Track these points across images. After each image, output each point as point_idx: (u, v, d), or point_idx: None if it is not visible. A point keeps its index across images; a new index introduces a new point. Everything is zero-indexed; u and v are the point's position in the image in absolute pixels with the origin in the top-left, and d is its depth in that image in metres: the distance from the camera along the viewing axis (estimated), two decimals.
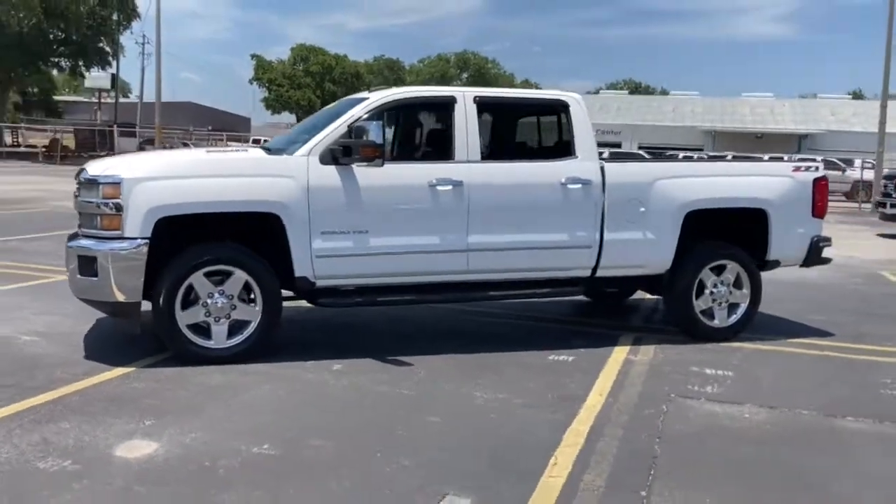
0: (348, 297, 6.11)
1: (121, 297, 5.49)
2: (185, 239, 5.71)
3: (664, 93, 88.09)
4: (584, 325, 7.54)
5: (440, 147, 6.40)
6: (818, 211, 7.17)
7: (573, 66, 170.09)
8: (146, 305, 5.66)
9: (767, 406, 5.27)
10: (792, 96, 70.10)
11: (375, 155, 5.68)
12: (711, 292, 6.93)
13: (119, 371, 5.48)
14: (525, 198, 6.33)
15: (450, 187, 6.08)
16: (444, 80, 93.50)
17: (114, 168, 5.60)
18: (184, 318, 5.63)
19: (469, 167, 6.16)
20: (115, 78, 56.82)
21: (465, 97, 6.30)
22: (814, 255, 7.25)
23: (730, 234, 7.14)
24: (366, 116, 6.02)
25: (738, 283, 7.01)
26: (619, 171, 6.65)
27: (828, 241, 7.32)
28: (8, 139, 47.00)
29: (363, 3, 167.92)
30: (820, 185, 7.14)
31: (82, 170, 5.81)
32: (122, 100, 72.54)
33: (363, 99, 6.29)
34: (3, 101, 49.31)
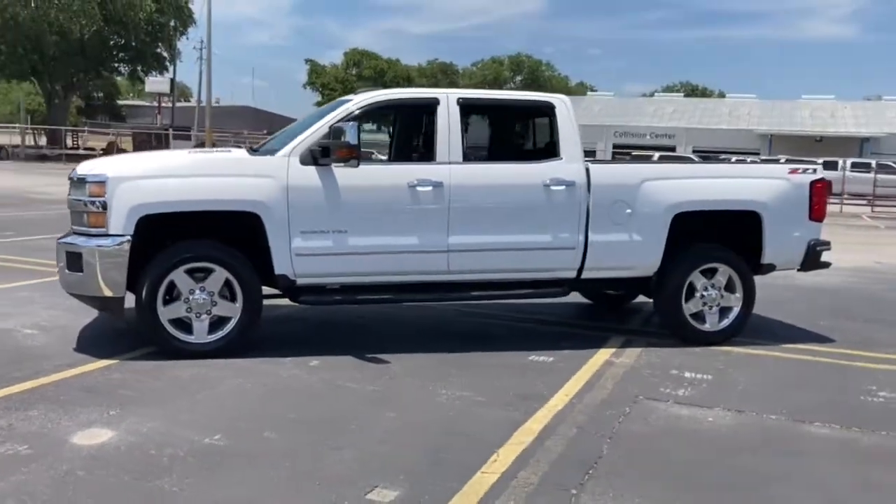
0: (328, 296, 6.23)
1: (105, 292, 5.70)
2: (171, 237, 5.90)
3: (721, 95, 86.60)
4: (578, 328, 7.53)
5: (423, 148, 6.50)
6: (816, 214, 7.03)
7: (630, 68, 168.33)
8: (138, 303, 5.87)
9: (735, 410, 5.21)
10: (855, 99, 68.19)
11: (350, 156, 5.79)
12: (702, 296, 6.86)
13: (103, 363, 5.69)
14: (507, 199, 6.37)
15: (430, 188, 6.15)
16: (496, 83, 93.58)
17: (100, 167, 5.83)
18: (165, 313, 5.81)
19: (450, 168, 6.22)
20: (173, 82, 58.31)
21: (448, 99, 6.36)
22: (811, 259, 7.11)
23: (723, 237, 7.05)
24: (347, 118, 6.14)
25: (730, 287, 6.93)
26: (604, 173, 6.64)
27: (826, 244, 7.17)
28: (69, 142, 48.58)
29: (422, 8, 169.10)
30: (817, 188, 7.01)
31: (75, 169, 6.06)
32: (184, 104, 74.43)
33: (349, 101, 6.41)
34: (65, 105, 51.03)
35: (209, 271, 5.86)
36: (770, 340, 7.16)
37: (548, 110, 6.65)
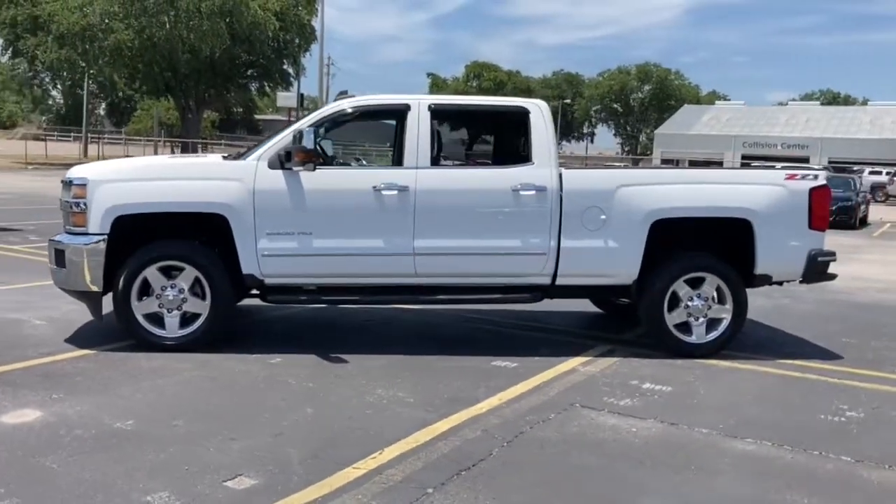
0: (294, 295, 6.43)
1: (83, 287, 6.14)
2: (149, 236, 6.28)
3: (864, 103, 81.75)
4: (570, 335, 7.40)
5: (392, 153, 6.59)
6: (816, 222, 6.64)
7: (771, 76, 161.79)
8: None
9: (669, 422, 5.02)
10: None
11: (307, 159, 5.98)
12: (687, 306, 6.61)
13: (81, 353, 6.12)
14: (474, 203, 6.38)
15: (395, 192, 6.25)
16: (622, 93, 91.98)
17: (84, 171, 6.28)
18: (139, 308, 6.19)
19: (416, 173, 6.30)
20: (301, 97, 60.79)
21: (419, 105, 6.45)
22: (813, 270, 6.71)
23: (715, 246, 6.78)
24: (315, 123, 6.34)
25: (720, 298, 6.64)
26: (577, 178, 6.53)
27: (831, 255, 6.74)
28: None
29: (555, 19, 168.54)
30: (818, 195, 6.61)
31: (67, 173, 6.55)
32: None
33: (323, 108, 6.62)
34: (197, 119, 54.13)
35: (180, 269, 6.19)
36: (767, 355, 6.81)
37: (522, 116, 6.61)
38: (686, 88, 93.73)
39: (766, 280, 6.75)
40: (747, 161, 55.04)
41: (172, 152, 53.53)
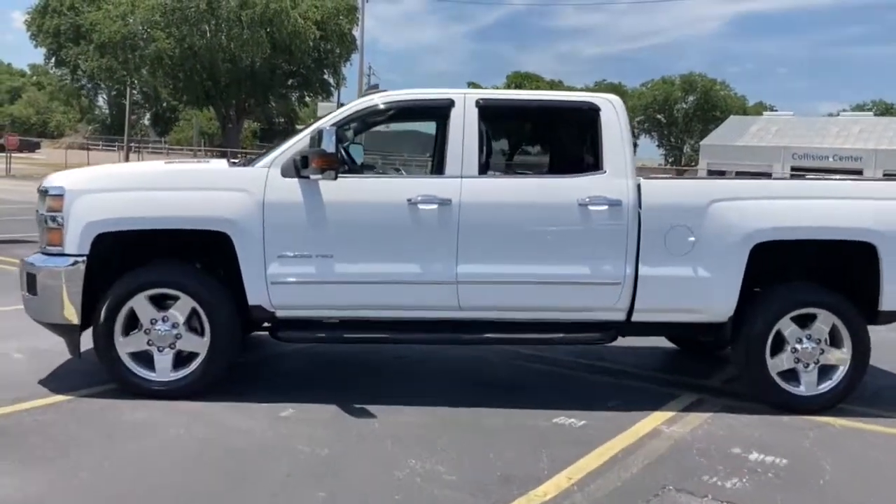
0: (311, 332, 5.27)
1: (58, 319, 5.07)
2: (140, 258, 5.20)
3: None
4: (644, 380, 6.14)
5: (431, 158, 5.43)
6: None
7: (819, 87, 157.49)
8: None
9: None
10: None
11: (325, 165, 4.84)
12: (794, 349, 5.33)
13: (53, 399, 5.04)
14: (531, 220, 5.19)
15: (434, 206, 5.09)
16: (666, 104, 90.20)
17: (62, 178, 5.22)
18: (125, 345, 5.09)
19: (461, 183, 5.14)
20: (340, 107, 60.32)
21: (465, 100, 5.29)
22: None
23: (824, 275, 5.50)
24: (340, 122, 5.22)
25: (835, 340, 5.35)
26: (659, 191, 5.30)
27: None
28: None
29: (597, 30, 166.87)
30: None
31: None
32: None
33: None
34: (238, 128, 53.76)
35: (174, 299, 5.09)
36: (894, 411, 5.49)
37: (590, 114, 5.40)
38: (732, 99, 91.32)
39: (893, 318, 5.43)
40: (799, 173, 52.97)
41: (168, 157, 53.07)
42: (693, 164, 77.90)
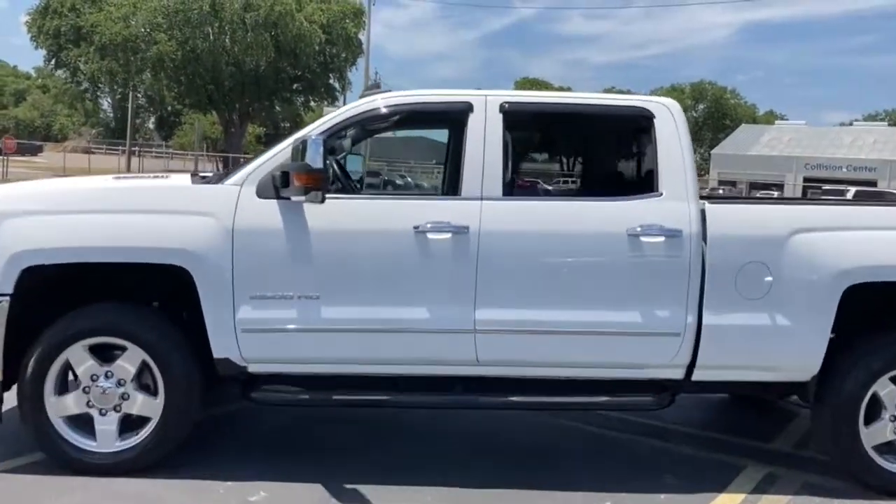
0: (291, 392, 4.21)
1: None
2: (78, 298, 4.17)
3: None
4: (699, 446, 5.06)
5: (443, 177, 4.40)
6: None
7: (830, 96, 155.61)
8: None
9: None
10: None
11: (311, 184, 3.80)
12: (894, 417, 4.27)
13: None
14: (569, 254, 4.15)
15: (447, 235, 4.05)
16: None
17: None
18: (57, 406, 4.06)
19: (481, 206, 4.10)
20: None
21: (486, 104, 4.25)
22: None
23: None
24: (334, 130, 4.20)
25: None
26: (731, 218, 4.25)
27: None
28: None
29: (605, 37, 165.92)
30: None
31: None
32: None
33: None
34: (241, 133, 52.87)
35: (121, 349, 4.06)
36: None
37: (642, 122, 4.37)
38: (742, 108, 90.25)
39: None
40: (814, 185, 51.81)
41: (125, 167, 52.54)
42: (703, 174, 76.76)
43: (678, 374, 4.27)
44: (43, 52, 45.09)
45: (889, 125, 77.63)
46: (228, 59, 43.74)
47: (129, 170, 46.83)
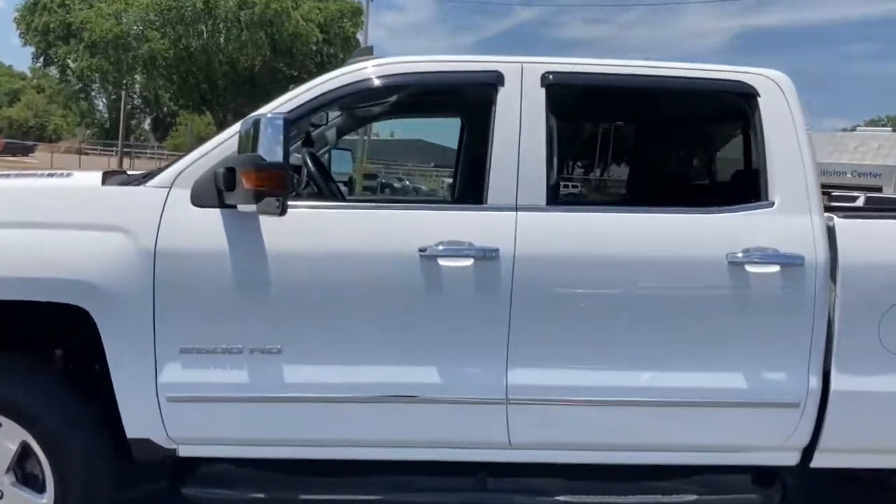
0: (238, 488, 2.92)
1: None
2: None
3: None
4: None
5: (455, 177, 3.13)
6: None
7: (830, 103, 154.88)
8: None
9: None
10: None
11: (263, 185, 2.54)
12: None
13: None
14: (644, 291, 2.87)
15: (468, 262, 2.78)
16: None
17: None
18: None
19: (516, 220, 2.84)
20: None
21: (522, 74, 2.98)
22: None
23: None
24: (305, 110, 2.93)
25: None
26: (873, 238, 2.98)
27: None
28: None
29: (604, 42, 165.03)
30: None
31: None
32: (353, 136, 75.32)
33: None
34: None
35: None
36: None
37: (741, 102, 3.10)
38: None
39: None
40: (826, 191, 50.67)
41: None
42: None
43: (792, 459, 3.00)
44: (32, 49, 44.16)
45: (893, 130, 76.68)
46: (222, 57, 42.86)
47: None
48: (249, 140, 2.58)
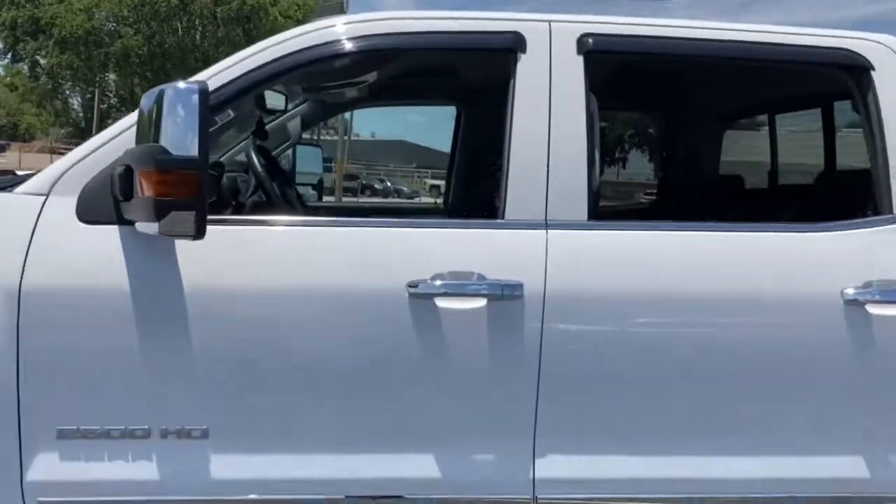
0: None
1: None
2: None
3: None
4: None
5: (454, 182, 2.28)
6: None
7: None
8: None
9: None
10: None
11: (167, 192, 1.66)
12: None
13: None
14: (726, 342, 2.02)
15: (480, 303, 1.92)
16: None
17: None
18: None
19: (546, 241, 1.98)
20: None
21: (551, 36, 2.12)
22: None
23: None
24: (247, 82, 2.06)
25: None
26: None
27: None
28: None
29: None
30: None
31: None
32: (333, 137, 74.78)
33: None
34: None
35: None
36: None
37: (848, 76, 2.25)
38: None
39: None
40: None
41: None
42: None
43: None
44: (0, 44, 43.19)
45: None
46: (198, 55, 42.26)
47: None
48: (152, 124, 1.71)
